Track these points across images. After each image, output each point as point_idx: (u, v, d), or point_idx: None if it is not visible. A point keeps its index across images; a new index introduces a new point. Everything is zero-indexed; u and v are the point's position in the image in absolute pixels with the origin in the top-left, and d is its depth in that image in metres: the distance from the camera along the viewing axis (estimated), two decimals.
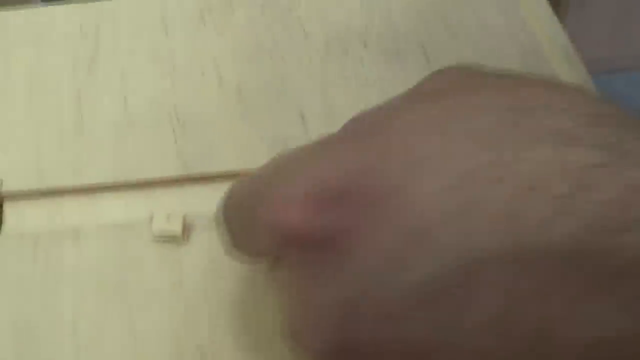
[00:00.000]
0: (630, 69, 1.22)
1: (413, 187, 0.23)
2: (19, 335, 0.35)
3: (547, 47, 0.47)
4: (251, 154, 0.41)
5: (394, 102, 0.27)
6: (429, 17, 0.48)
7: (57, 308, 0.35)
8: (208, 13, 0.47)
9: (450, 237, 0.22)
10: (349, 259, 0.24)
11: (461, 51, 0.46)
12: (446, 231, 0.22)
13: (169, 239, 0.38)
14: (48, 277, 0.36)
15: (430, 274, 0.22)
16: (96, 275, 0.37)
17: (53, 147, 0.41)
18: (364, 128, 0.26)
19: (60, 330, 0.35)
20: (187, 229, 0.38)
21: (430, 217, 0.23)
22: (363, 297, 0.24)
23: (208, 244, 0.37)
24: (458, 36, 0.47)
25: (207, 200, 0.39)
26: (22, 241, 0.38)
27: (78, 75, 0.44)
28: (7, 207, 0.39)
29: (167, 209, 0.39)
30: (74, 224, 0.38)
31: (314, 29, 0.46)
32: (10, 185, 0.39)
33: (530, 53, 0.46)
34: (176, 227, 0.38)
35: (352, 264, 0.24)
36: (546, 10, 0.48)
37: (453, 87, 0.27)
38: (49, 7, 0.47)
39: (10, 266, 0.37)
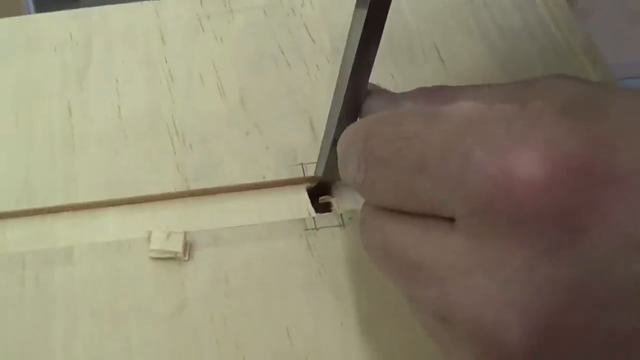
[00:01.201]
0: (635, 78, 1.20)
1: None
2: None
3: (566, 45, 0.44)
4: (256, 166, 0.38)
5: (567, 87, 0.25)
6: (442, 16, 0.45)
7: (49, 334, 0.32)
8: (206, 19, 0.44)
9: None
10: (584, 238, 0.22)
11: (477, 51, 0.43)
12: None
13: (169, 258, 0.35)
14: (38, 300, 0.33)
15: None
16: (90, 298, 0.34)
17: (42, 162, 0.38)
18: (576, 105, 0.23)
19: (51, 359, 0.32)
20: (188, 247, 0.35)
21: None
22: (589, 281, 0.22)
23: (212, 263, 0.34)
24: (473, 35, 0.44)
25: (210, 217, 0.37)
26: (9, 262, 0.34)
27: (68, 86, 0.41)
28: None
29: (167, 226, 0.36)
30: (66, 243, 0.35)
31: (320, 33, 0.44)
32: None
33: (549, 51, 0.44)
34: (177, 245, 0.34)
35: (586, 243, 0.22)
36: (564, 8, 0.46)
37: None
38: (37, 15, 0.45)
39: None
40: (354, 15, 0.31)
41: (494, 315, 0.22)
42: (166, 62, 0.42)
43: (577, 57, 0.43)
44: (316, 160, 0.36)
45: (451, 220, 0.24)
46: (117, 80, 0.41)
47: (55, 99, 0.41)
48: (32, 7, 0.84)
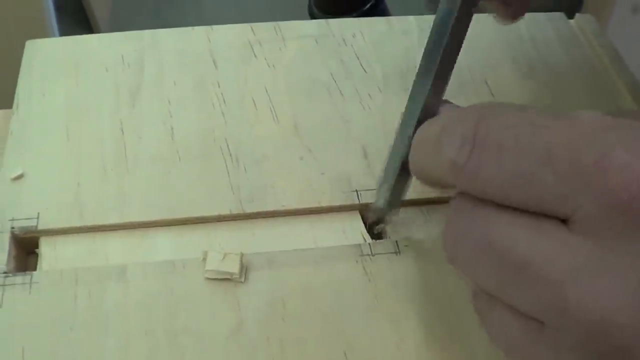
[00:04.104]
0: None
1: None
2: None
3: (611, 83, 0.44)
4: (312, 191, 0.37)
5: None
6: (492, 52, 0.45)
7: (102, 352, 0.32)
8: (258, 45, 0.44)
9: None
10: None
11: (527, 86, 0.43)
12: None
13: (224, 279, 0.34)
14: (90, 317, 0.33)
15: None
16: (144, 317, 0.33)
17: (94, 180, 0.38)
18: None
19: None
20: (244, 269, 0.34)
21: None
22: None
23: (268, 285, 0.34)
24: (521, 71, 0.44)
25: (265, 239, 0.36)
26: (61, 278, 0.34)
27: (120, 105, 0.41)
28: (44, 244, 0.36)
29: (222, 247, 0.35)
30: (119, 260, 0.35)
31: (372, 64, 0.44)
32: (47, 222, 0.36)
33: (598, 89, 0.44)
34: (234, 266, 0.34)
35: None
36: (609, 48, 0.46)
37: None
38: (87, 36, 0.45)
39: (48, 305, 0.33)
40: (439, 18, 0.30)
41: (625, 319, 0.21)
42: (219, 86, 0.42)
43: (622, 95, 0.44)
44: (375, 189, 0.36)
45: (563, 220, 0.23)
46: (169, 102, 0.41)
47: (107, 118, 0.40)
48: (56, 30, 0.84)
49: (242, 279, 0.34)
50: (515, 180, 0.23)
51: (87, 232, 0.36)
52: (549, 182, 0.23)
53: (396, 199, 0.34)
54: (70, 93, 0.42)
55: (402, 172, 0.32)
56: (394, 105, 0.41)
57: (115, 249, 0.36)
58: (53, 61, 0.43)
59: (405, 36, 0.46)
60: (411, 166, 0.30)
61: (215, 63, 0.43)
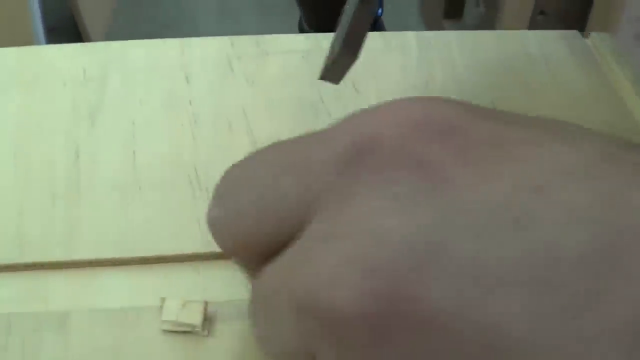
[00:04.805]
0: None
1: None
2: None
3: (631, 104, 0.39)
4: None
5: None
6: (498, 73, 0.40)
7: None
8: (237, 60, 0.39)
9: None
10: (448, 185, 0.19)
11: (537, 109, 0.38)
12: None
13: (184, 332, 0.29)
14: None
15: (582, 241, 0.18)
16: None
17: (39, 209, 0.33)
18: None
19: None
20: (209, 320, 0.29)
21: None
22: (452, 237, 0.19)
23: (237, 341, 0.29)
24: (530, 91, 0.39)
25: (235, 284, 0.31)
26: None
27: (78, 126, 0.36)
28: None
29: (184, 293, 0.30)
30: (61, 306, 0.30)
31: (365, 82, 0.39)
32: None
33: (614, 112, 0.39)
34: (195, 317, 0.29)
35: (453, 189, 0.19)
36: (629, 67, 0.41)
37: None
38: (47, 46, 0.40)
39: None
40: None
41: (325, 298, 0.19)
42: (190, 104, 0.37)
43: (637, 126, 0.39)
44: None
45: None
46: (133, 123, 0.36)
47: (61, 139, 0.35)
48: (42, 40, 0.80)
49: (206, 333, 0.29)
50: None
51: (26, 270, 0.31)
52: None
53: (355, 38, 0.30)
54: (22, 109, 0.37)
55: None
56: None
57: (58, 292, 0.30)
58: (5, 73, 0.38)
59: (402, 53, 0.41)
60: None
61: (188, 79, 0.38)
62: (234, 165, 0.25)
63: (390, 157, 0.20)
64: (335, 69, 0.31)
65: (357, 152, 0.21)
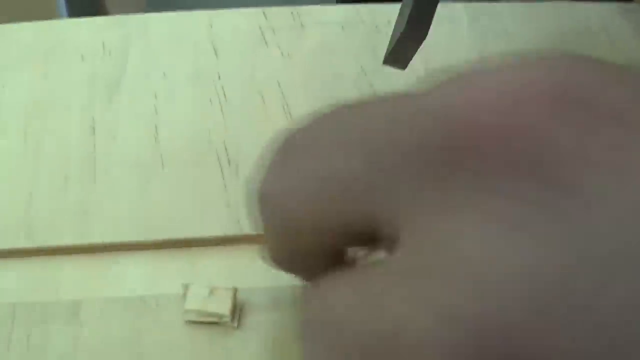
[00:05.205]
0: None
1: None
2: None
3: None
4: None
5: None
6: (557, 45, 0.36)
7: None
8: (271, 32, 0.36)
9: None
10: (582, 204, 0.14)
11: None
12: None
13: (211, 323, 0.25)
14: None
15: None
16: None
17: (50, 190, 0.29)
18: None
19: None
20: (238, 310, 0.25)
21: None
22: (581, 273, 0.14)
23: (268, 332, 0.25)
24: None
25: (268, 271, 0.27)
26: None
27: (95, 100, 0.33)
28: None
29: (210, 279, 0.26)
30: (73, 294, 0.26)
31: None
32: None
33: None
34: (223, 306, 0.25)
35: (588, 211, 0.14)
36: None
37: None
38: (65, 20, 0.37)
39: None
40: None
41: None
42: (219, 78, 0.33)
43: None
44: None
45: None
46: (155, 96, 0.33)
47: (76, 115, 0.32)
48: (65, 14, 0.76)
49: (235, 324, 0.25)
50: None
51: (34, 255, 0.27)
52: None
53: (422, 15, 0.26)
54: (36, 85, 0.33)
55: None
56: None
57: (69, 279, 0.27)
58: (19, 49, 0.35)
59: (451, 24, 0.37)
60: None
61: (217, 51, 0.35)
62: (297, 130, 0.20)
63: (499, 157, 0.15)
64: (401, 52, 0.27)
65: (456, 147, 0.16)
